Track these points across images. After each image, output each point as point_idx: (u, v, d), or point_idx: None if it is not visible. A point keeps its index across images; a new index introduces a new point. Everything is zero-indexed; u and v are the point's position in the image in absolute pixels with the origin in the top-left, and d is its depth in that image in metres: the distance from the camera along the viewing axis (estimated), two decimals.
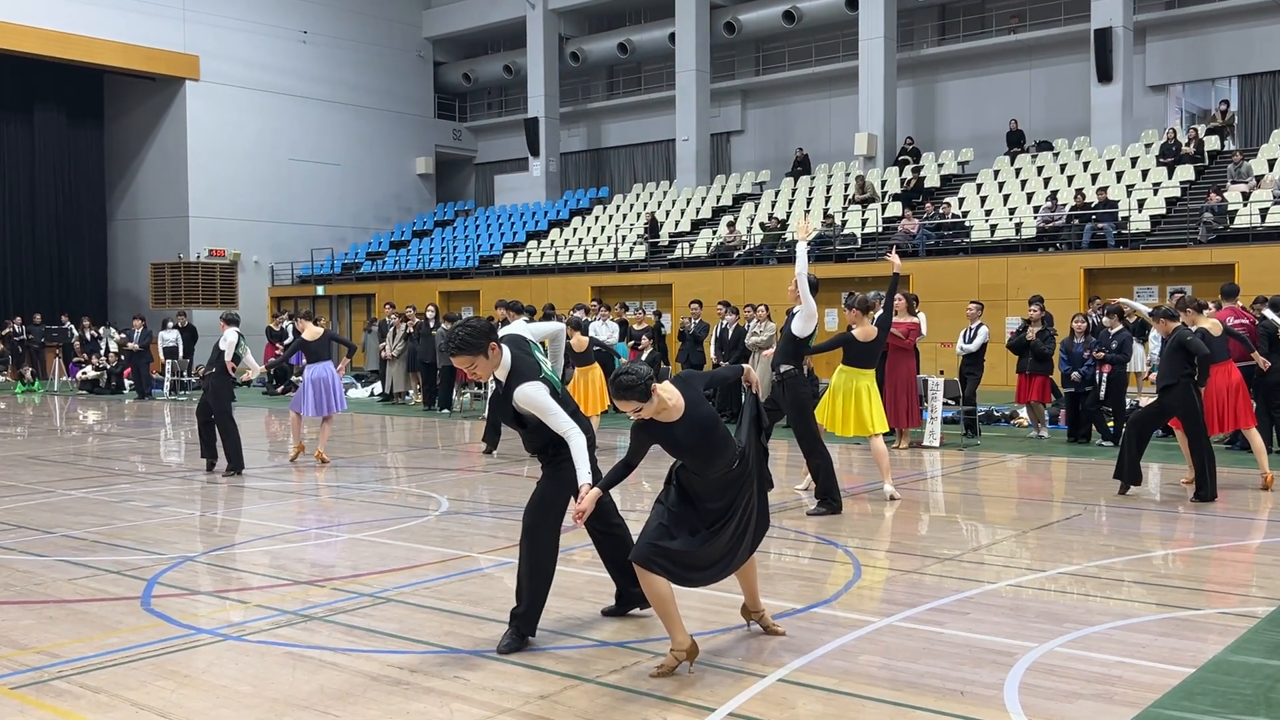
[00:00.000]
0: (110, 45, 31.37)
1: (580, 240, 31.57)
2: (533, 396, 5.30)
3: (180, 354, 25.45)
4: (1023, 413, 15.71)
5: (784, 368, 9.24)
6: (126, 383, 25.92)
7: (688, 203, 31.73)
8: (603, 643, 5.56)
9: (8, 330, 28.76)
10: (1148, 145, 25.57)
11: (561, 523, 5.54)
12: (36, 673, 5.16)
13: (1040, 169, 26.24)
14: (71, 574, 7.20)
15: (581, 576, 6.91)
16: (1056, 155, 26.67)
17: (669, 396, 4.99)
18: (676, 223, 30.56)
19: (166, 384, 25.03)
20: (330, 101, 36.42)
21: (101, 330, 28.34)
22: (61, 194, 33.89)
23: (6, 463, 13.05)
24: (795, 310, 9.31)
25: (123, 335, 26.48)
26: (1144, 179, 24.20)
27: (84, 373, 26.75)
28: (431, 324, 20.44)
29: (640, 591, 5.55)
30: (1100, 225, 21.96)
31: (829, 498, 9.13)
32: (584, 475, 5.15)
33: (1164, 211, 22.74)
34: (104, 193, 35.30)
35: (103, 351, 26.85)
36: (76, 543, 8.25)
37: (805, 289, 9.06)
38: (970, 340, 14.83)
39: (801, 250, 9.08)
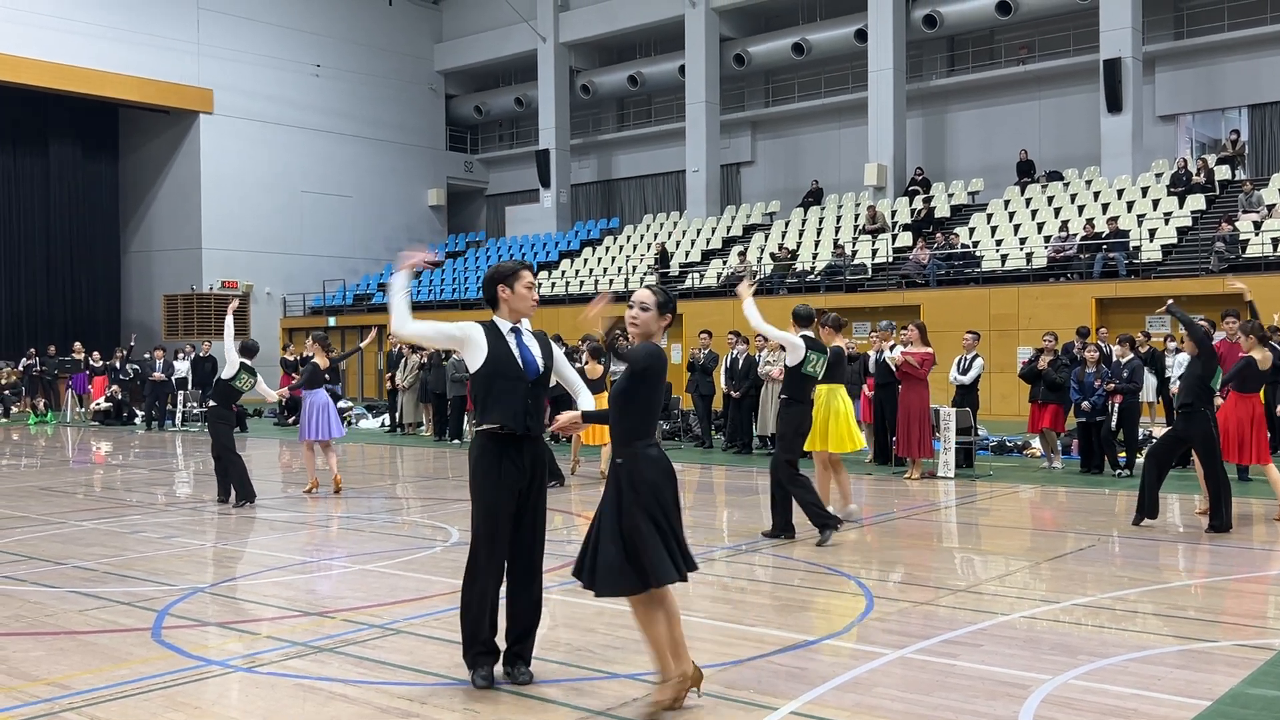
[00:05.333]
0: (125, 79, 31.71)
1: (591, 270, 31.67)
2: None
3: (190, 385, 25.55)
4: (1035, 443, 15.64)
5: (783, 396, 9.64)
6: (137, 414, 26.00)
7: (698, 233, 31.82)
8: (613, 674, 5.53)
9: (24, 363, 29.00)
10: (1158, 175, 25.59)
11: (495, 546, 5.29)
12: (48, 704, 5.15)
13: (1051, 199, 26.27)
14: (82, 605, 7.20)
15: (591, 607, 6.87)
16: (1067, 185, 26.70)
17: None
18: (687, 253, 30.64)
19: (178, 415, 25.11)
20: (342, 134, 36.72)
21: (117, 355, 28.46)
22: (76, 227, 34.16)
23: (19, 494, 13.09)
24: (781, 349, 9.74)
25: (136, 366, 26.63)
26: (1155, 208, 24.20)
27: (97, 403, 26.86)
28: (443, 354, 20.47)
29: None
30: (1111, 255, 21.95)
31: (824, 522, 9.26)
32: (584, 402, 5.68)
33: (1175, 241, 22.73)
34: (118, 225, 35.57)
35: (125, 378, 26.96)
36: (87, 574, 8.25)
37: (769, 330, 9.45)
38: (965, 371, 14.68)
39: (749, 306, 9.37)
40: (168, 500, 12.80)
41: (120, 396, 26.57)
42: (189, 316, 32.59)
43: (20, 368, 29.16)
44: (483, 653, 5.32)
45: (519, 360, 5.34)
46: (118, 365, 27.25)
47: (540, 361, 5.40)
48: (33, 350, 29.27)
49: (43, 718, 4.98)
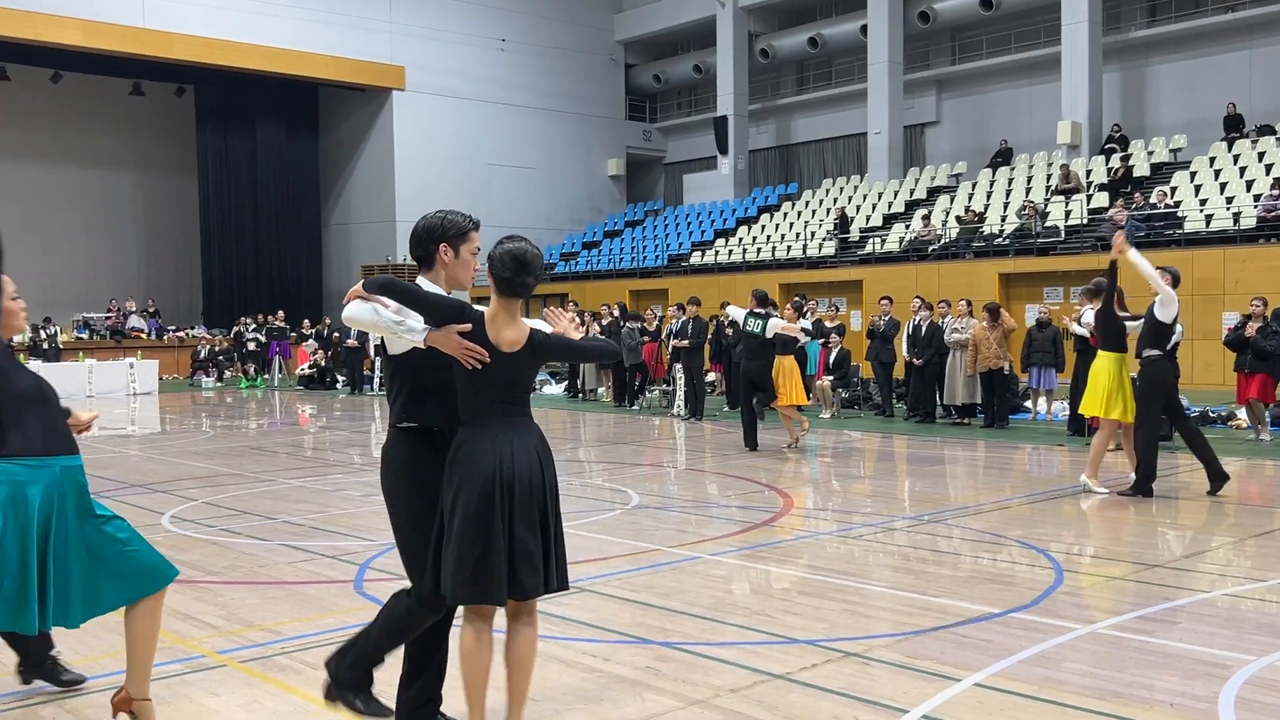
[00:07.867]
0: (325, 59, 33.24)
1: (769, 237, 31.47)
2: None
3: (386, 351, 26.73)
4: (1241, 414, 14.78)
5: (1148, 352, 9.73)
6: (339, 379, 27.39)
7: (879, 197, 31.18)
8: (792, 640, 5.56)
9: (235, 330, 31.04)
10: None
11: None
12: (262, 648, 5.55)
13: (1261, 155, 24.58)
14: (291, 557, 7.69)
15: (773, 572, 6.91)
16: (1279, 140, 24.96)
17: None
18: (868, 218, 30.09)
19: (375, 379, 26.32)
20: (526, 107, 37.51)
21: (321, 325, 30.09)
22: (281, 202, 36.09)
23: (233, 453, 14.02)
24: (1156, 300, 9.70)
25: (338, 333, 28.10)
26: None
27: (302, 369, 28.43)
28: (621, 322, 20.79)
29: None
30: None
31: (1143, 483, 9.69)
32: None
33: None
34: (319, 199, 37.41)
35: (326, 347, 28.51)
36: (295, 528, 8.79)
37: (1159, 282, 9.49)
38: None
39: (1136, 257, 9.45)
40: (365, 460, 13.47)
41: (323, 363, 28.06)
42: None
43: (231, 335, 31.20)
44: (368, 684, 4.32)
45: None
46: (321, 334, 28.81)
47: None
48: (243, 319, 31.23)
49: (258, 660, 5.37)
